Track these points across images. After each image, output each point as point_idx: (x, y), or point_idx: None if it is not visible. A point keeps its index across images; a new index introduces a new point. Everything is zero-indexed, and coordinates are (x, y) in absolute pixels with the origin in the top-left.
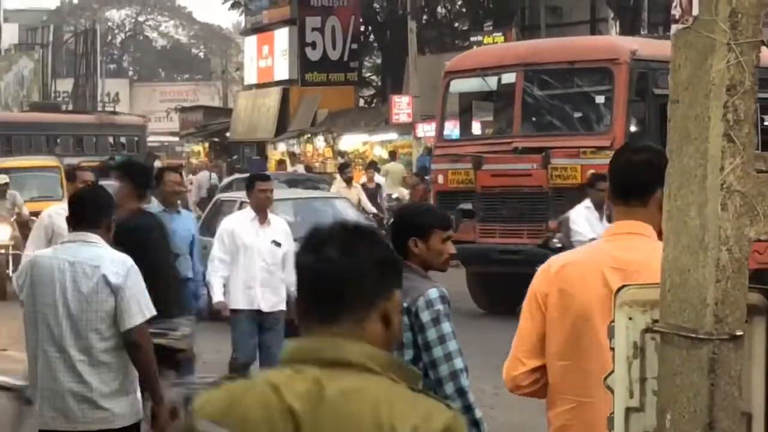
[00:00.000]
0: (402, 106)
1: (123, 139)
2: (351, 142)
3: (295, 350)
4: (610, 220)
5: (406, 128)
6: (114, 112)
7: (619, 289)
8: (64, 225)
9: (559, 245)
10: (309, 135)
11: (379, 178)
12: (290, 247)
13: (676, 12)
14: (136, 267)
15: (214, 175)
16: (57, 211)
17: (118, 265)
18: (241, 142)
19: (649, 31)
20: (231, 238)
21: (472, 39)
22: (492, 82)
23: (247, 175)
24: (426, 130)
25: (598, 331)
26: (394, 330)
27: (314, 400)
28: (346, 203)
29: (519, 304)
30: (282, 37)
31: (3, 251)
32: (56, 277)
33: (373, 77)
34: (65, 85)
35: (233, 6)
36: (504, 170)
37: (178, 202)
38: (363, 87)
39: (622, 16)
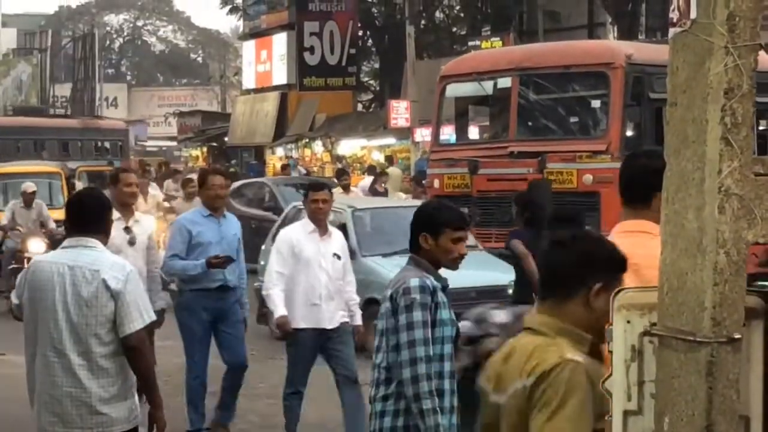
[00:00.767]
0: (400, 111)
1: (107, 144)
2: (349, 146)
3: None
4: None
5: (405, 133)
6: (97, 117)
7: (617, 293)
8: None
9: None
10: (307, 140)
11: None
12: (347, 258)
13: (674, 15)
14: (135, 272)
15: None
16: None
17: (117, 270)
18: (240, 147)
19: (647, 35)
20: (290, 250)
21: (470, 44)
22: (488, 87)
23: (253, 180)
24: (424, 134)
25: None
26: (595, 315)
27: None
28: None
29: None
30: (280, 41)
31: None
32: (56, 281)
33: (372, 82)
34: (64, 89)
35: (231, 11)
36: (500, 174)
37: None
38: (361, 92)
39: (620, 21)
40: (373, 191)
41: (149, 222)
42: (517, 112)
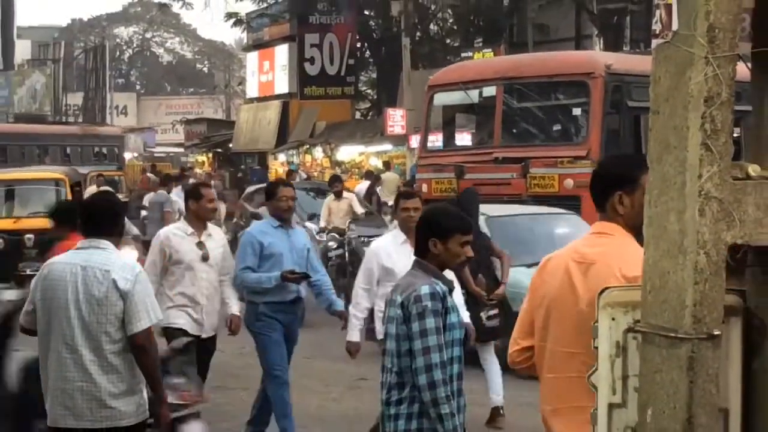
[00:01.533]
0: (396, 119)
1: (104, 150)
2: (348, 152)
3: None
4: None
5: (401, 140)
6: (95, 124)
7: (602, 291)
8: (183, 247)
9: None
10: (308, 146)
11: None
12: None
13: (656, 27)
14: (144, 273)
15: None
16: (173, 232)
17: (127, 271)
18: (243, 153)
19: (631, 47)
20: (380, 265)
21: (463, 55)
22: (473, 95)
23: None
24: (419, 141)
25: (559, 316)
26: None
27: None
28: (578, 219)
29: None
30: (282, 53)
31: None
32: (69, 280)
33: (369, 91)
34: (76, 98)
35: (236, 23)
36: (485, 179)
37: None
38: (359, 100)
39: (606, 33)
40: (369, 195)
41: (220, 234)
42: (501, 119)
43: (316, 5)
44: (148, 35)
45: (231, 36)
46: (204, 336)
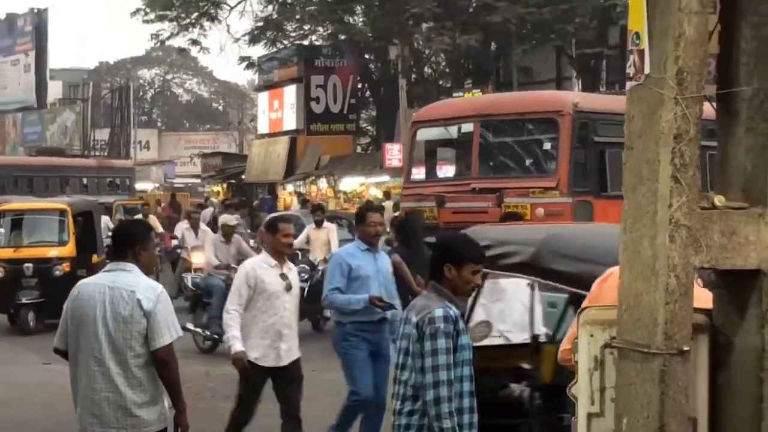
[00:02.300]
0: (394, 153)
1: (118, 180)
2: (350, 183)
3: None
4: None
5: (398, 172)
6: (109, 157)
7: (581, 310)
8: (268, 278)
9: None
10: (313, 177)
11: None
12: None
13: (630, 70)
14: (165, 293)
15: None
16: (259, 264)
17: (150, 292)
18: (255, 184)
19: (607, 88)
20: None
21: (455, 95)
22: (453, 131)
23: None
24: None
25: None
26: None
27: None
28: None
29: None
30: (290, 93)
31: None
32: (97, 299)
33: (369, 127)
34: (103, 134)
35: (248, 66)
36: (463, 208)
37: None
38: (360, 136)
39: (584, 76)
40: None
41: (294, 269)
42: (478, 153)
43: (321, 50)
44: (169, 77)
45: (244, 77)
46: (282, 364)
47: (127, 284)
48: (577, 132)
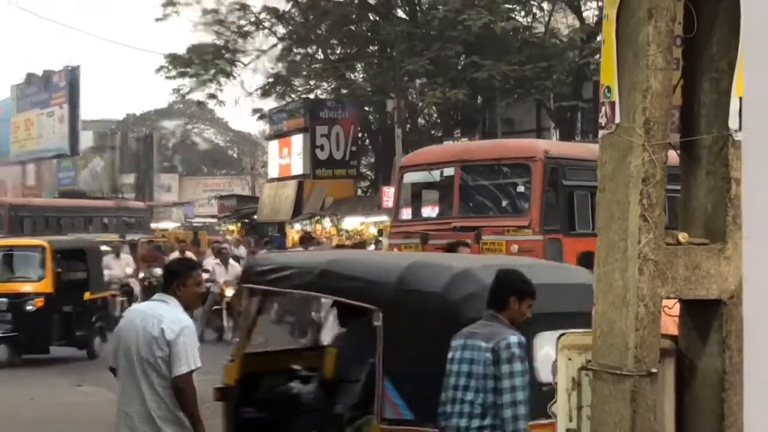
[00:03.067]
0: (390, 195)
1: (133, 219)
2: (351, 222)
3: None
4: None
5: None
6: (125, 198)
7: (560, 336)
8: None
9: None
10: (318, 217)
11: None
12: None
13: (602, 120)
14: (191, 328)
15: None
16: None
17: (175, 324)
18: (266, 223)
19: (581, 137)
20: None
21: (445, 143)
22: (436, 175)
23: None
24: None
25: None
26: None
27: None
28: None
29: None
30: (297, 141)
31: None
32: (137, 324)
33: (369, 172)
34: (129, 178)
35: (260, 117)
36: (445, 245)
37: None
38: (360, 180)
39: (561, 126)
40: None
41: None
42: (458, 195)
43: (325, 103)
44: (189, 127)
45: (256, 127)
46: None
47: (158, 313)
48: (547, 176)
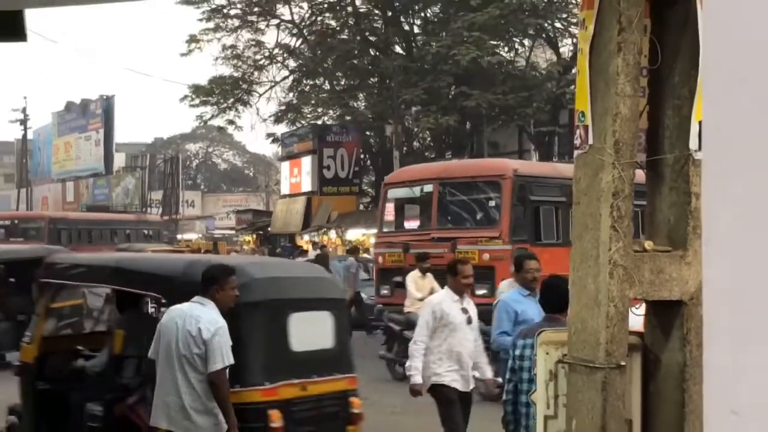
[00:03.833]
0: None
1: (151, 232)
2: (354, 234)
3: None
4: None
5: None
6: (145, 212)
7: (539, 333)
8: (452, 311)
9: None
10: (325, 229)
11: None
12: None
13: (577, 142)
14: (225, 328)
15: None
16: (444, 298)
17: (211, 324)
18: (278, 234)
19: (559, 158)
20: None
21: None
22: (416, 191)
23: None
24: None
25: None
26: None
27: None
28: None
29: None
30: (307, 162)
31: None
32: (177, 321)
33: (370, 190)
34: (157, 195)
35: (273, 141)
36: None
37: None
38: (362, 197)
39: (540, 148)
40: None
41: (473, 304)
42: (437, 209)
43: (331, 128)
44: (210, 149)
45: (270, 150)
46: (466, 390)
47: (196, 314)
48: (516, 192)
